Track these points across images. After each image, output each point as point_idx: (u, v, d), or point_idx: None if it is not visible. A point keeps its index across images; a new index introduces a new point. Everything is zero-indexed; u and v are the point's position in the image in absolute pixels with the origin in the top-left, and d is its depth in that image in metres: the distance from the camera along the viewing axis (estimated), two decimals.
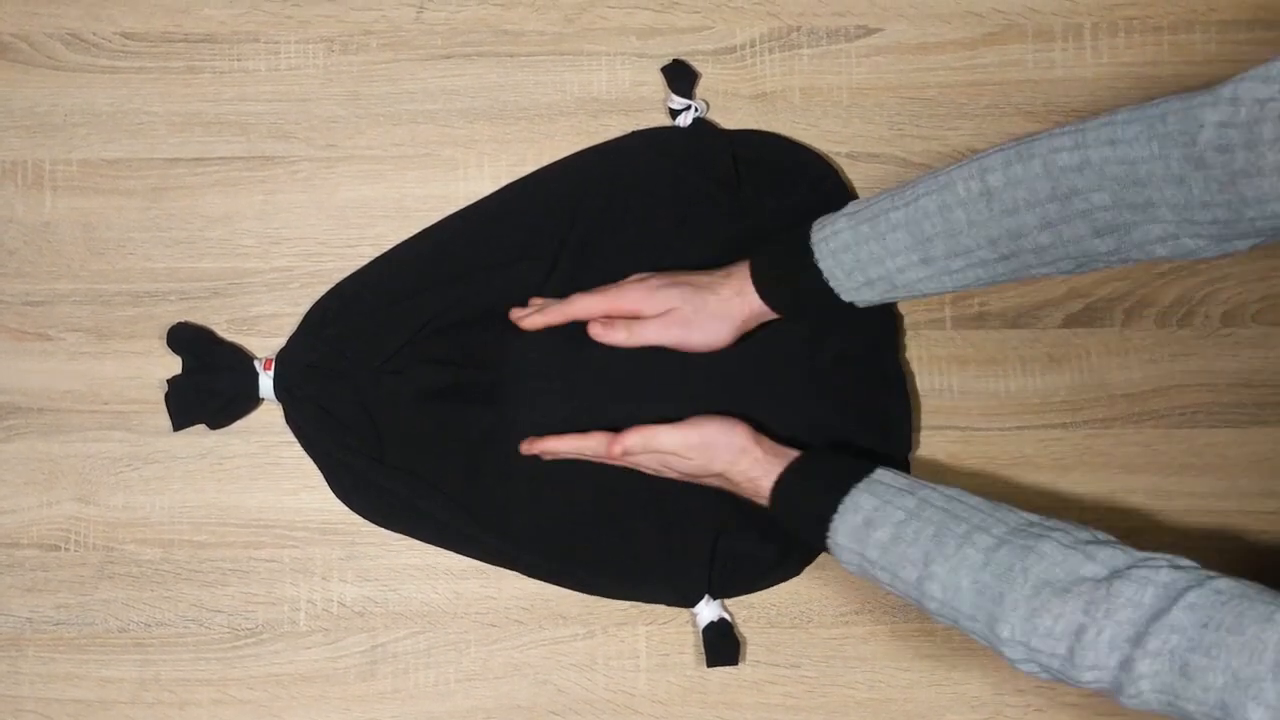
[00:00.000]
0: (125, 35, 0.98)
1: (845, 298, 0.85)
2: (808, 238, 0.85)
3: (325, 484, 0.96)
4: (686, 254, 0.94)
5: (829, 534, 0.82)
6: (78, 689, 0.95)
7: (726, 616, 0.95)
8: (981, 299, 0.98)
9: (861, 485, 0.82)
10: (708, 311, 0.88)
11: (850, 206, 0.84)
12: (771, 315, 0.89)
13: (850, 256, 0.82)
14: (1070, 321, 0.98)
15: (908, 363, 0.97)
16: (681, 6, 0.99)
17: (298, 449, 0.96)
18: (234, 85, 0.98)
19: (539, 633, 0.96)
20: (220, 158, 0.98)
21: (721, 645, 0.94)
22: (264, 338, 0.97)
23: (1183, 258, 0.74)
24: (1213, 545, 0.97)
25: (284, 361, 0.95)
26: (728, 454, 0.87)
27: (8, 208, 0.97)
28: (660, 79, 0.98)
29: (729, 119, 0.99)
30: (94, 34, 0.98)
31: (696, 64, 0.98)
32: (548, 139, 0.98)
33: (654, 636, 0.96)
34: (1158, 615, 0.67)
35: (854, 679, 0.96)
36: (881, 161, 0.98)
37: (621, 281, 0.92)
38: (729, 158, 0.96)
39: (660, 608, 0.96)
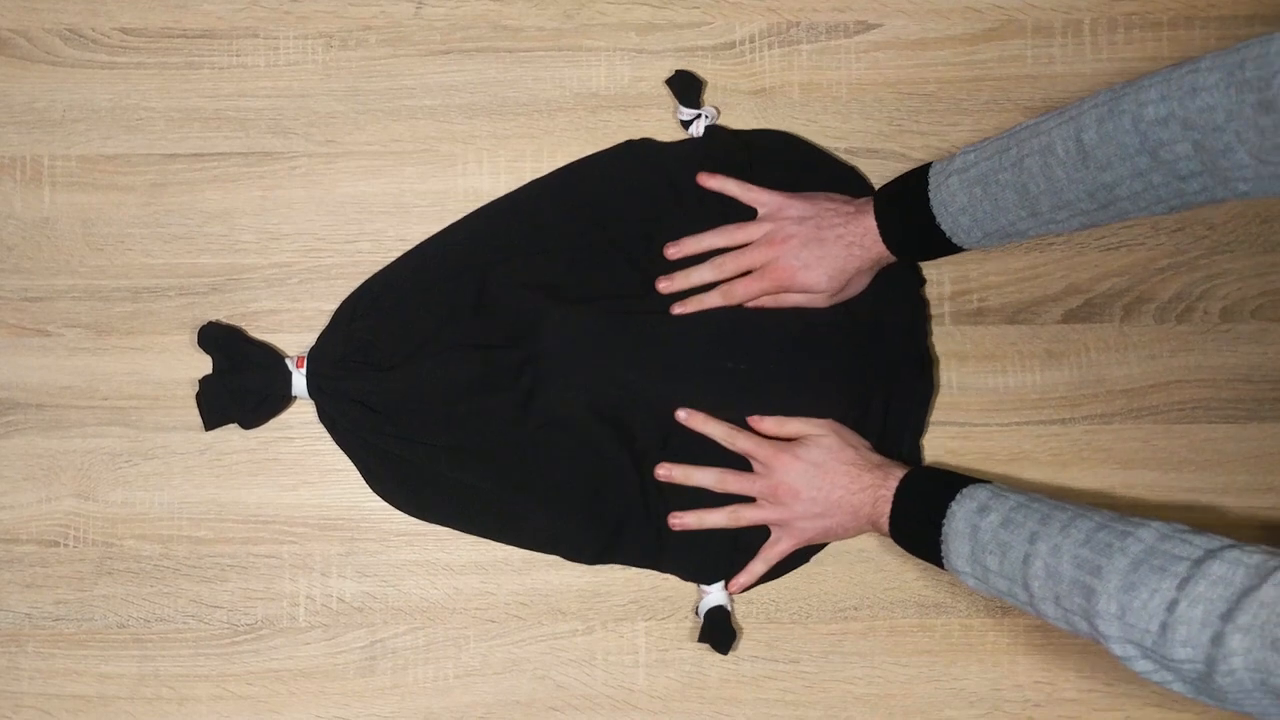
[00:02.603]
0: (124, 31, 0.98)
1: (965, 247, 0.90)
2: (928, 203, 0.88)
3: (324, 480, 0.96)
4: (710, 251, 0.96)
5: (946, 519, 0.85)
6: (77, 685, 0.95)
7: (728, 606, 0.95)
8: (980, 295, 0.98)
9: (977, 483, 0.87)
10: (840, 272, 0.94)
11: (959, 163, 0.87)
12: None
13: (968, 217, 0.87)
14: (1069, 317, 0.98)
15: (933, 347, 0.98)
16: (680, 2, 0.99)
17: (297, 445, 0.96)
18: (233, 81, 0.98)
19: (538, 628, 0.96)
20: (219, 153, 0.98)
21: (717, 631, 0.94)
22: (263, 333, 0.97)
23: (1264, 195, 0.76)
24: None
25: (316, 358, 0.95)
26: (854, 439, 0.94)
27: (6, 203, 0.97)
28: (659, 75, 0.98)
29: (728, 114, 0.99)
30: (93, 29, 0.98)
31: (695, 60, 0.98)
32: (547, 134, 0.98)
33: (653, 632, 0.96)
34: (1248, 591, 0.68)
35: (852, 674, 0.96)
36: (881, 157, 0.98)
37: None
38: (745, 158, 0.97)
39: (659, 603, 0.96)
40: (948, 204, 0.87)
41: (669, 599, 0.97)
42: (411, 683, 0.96)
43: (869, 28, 0.99)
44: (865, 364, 0.96)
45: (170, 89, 0.98)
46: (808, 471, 0.92)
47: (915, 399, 0.97)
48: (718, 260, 0.95)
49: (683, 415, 0.95)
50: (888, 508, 0.89)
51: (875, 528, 0.91)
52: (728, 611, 0.95)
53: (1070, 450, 0.98)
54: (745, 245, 0.95)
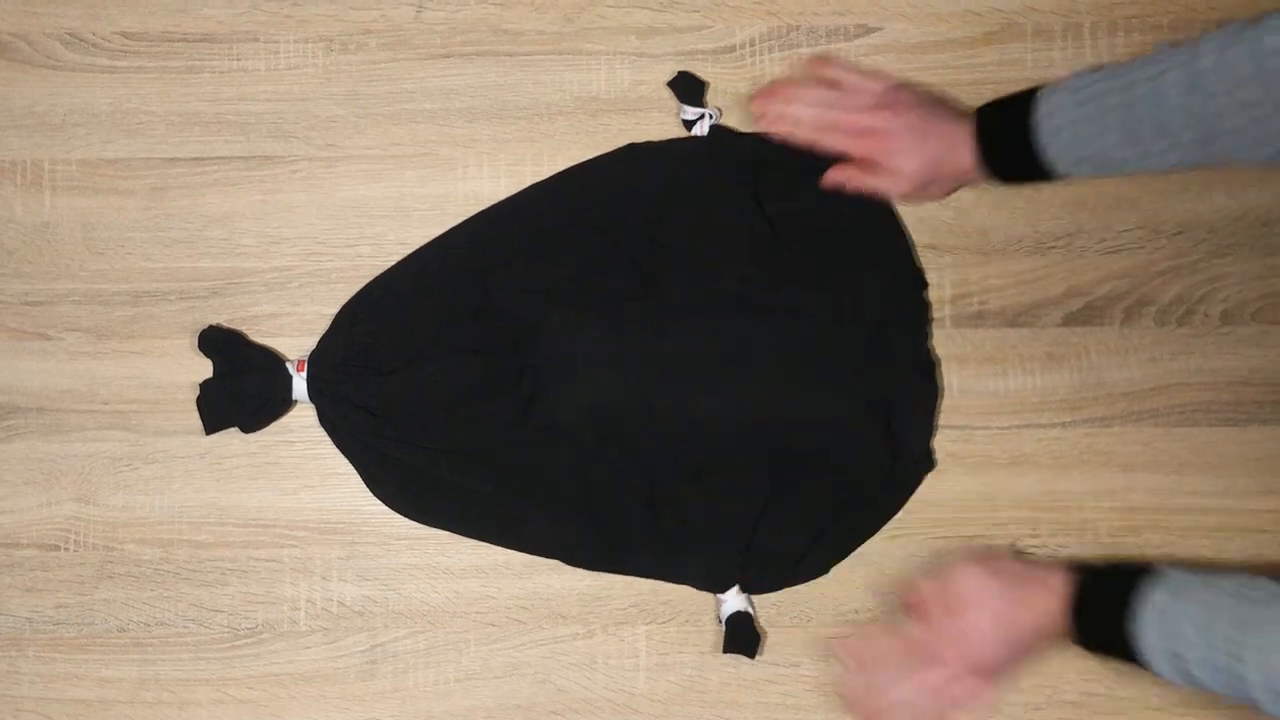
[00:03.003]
0: (124, 35, 0.98)
1: (1055, 172, 0.88)
2: (1029, 118, 0.87)
3: (325, 484, 0.96)
4: (715, 251, 0.96)
5: (1132, 639, 0.82)
6: (77, 689, 0.95)
7: (749, 610, 0.95)
8: (981, 298, 0.98)
9: (1145, 583, 0.83)
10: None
11: (1071, 82, 0.87)
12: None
13: (1069, 134, 0.86)
14: (1069, 320, 0.98)
15: (933, 349, 0.98)
16: (680, 6, 0.99)
17: (297, 449, 0.96)
18: (233, 85, 0.98)
19: (538, 632, 0.96)
20: (219, 157, 0.98)
21: (741, 636, 0.94)
22: (263, 337, 0.97)
23: None
24: (1212, 544, 0.97)
25: (316, 362, 0.95)
26: (997, 565, 0.89)
27: (7, 207, 0.97)
28: (659, 79, 0.98)
29: (728, 118, 0.99)
30: (93, 33, 0.98)
31: (695, 64, 0.98)
32: (547, 138, 0.98)
33: (654, 636, 0.96)
34: None
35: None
36: None
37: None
38: (749, 158, 0.97)
39: (660, 607, 0.96)
40: (1050, 117, 0.86)
41: (669, 603, 0.97)
42: (412, 686, 0.96)
43: (869, 31, 0.99)
44: (870, 366, 0.95)
45: (170, 93, 0.98)
46: (990, 637, 0.88)
47: (919, 401, 0.97)
48: (827, 100, 0.94)
49: (836, 646, 0.92)
50: (1061, 618, 0.86)
51: (1056, 636, 0.88)
52: (750, 615, 0.95)
53: (1071, 453, 0.97)
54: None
